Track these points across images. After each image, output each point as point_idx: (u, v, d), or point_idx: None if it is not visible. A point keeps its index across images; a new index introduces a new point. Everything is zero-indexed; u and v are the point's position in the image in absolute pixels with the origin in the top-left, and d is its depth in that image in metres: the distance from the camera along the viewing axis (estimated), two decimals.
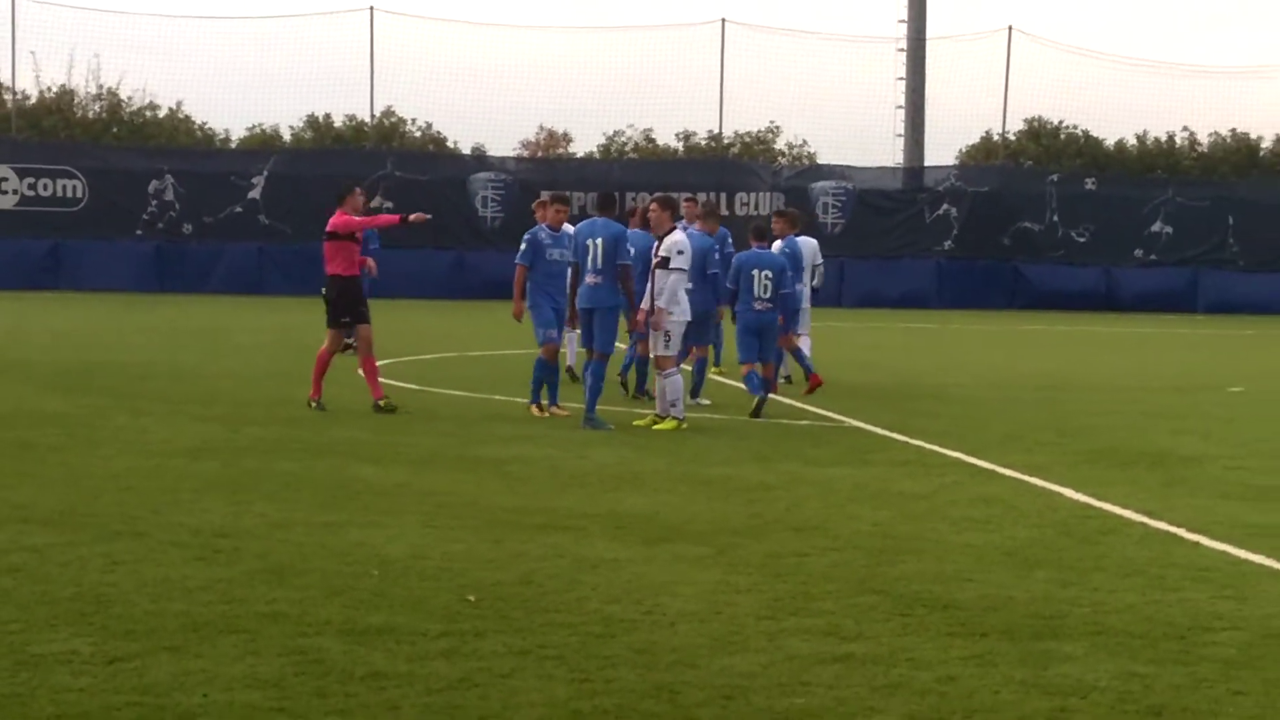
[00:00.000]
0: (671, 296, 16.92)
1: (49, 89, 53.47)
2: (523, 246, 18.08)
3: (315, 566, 9.38)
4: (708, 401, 19.35)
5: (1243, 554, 10.32)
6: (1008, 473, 13.79)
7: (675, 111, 51.23)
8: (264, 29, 50.52)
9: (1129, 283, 47.85)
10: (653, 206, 17.50)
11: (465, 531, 10.57)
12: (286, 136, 53.28)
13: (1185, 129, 52.91)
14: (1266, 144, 52.66)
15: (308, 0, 79.93)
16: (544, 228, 18.24)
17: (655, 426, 16.66)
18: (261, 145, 52.07)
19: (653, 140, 53.53)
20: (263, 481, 12.51)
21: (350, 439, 15.21)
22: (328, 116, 53.35)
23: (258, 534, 10.35)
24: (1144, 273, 48.06)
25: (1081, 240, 48.32)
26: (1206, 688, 7.24)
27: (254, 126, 53.03)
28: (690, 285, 17.83)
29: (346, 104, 52.21)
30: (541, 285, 17.99)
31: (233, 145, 53.08)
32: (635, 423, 16.93)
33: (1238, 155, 52.47)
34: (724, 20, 49.48)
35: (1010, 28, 50.41)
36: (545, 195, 20.54)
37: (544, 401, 17.60)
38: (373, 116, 51.82)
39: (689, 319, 17.41)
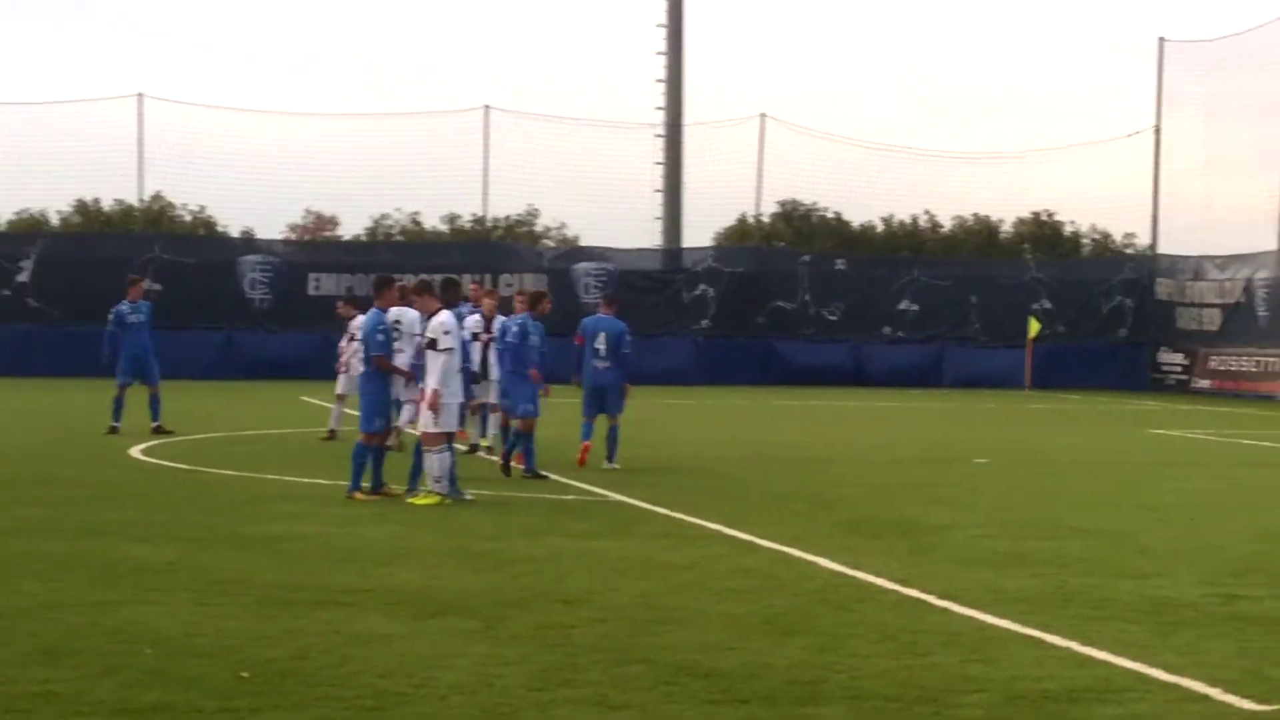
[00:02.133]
0: (442, 377, 16.88)
1: None
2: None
3: (88, 646, 9.20)
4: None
5: (990, 619, 10.54)
6: (766, 543, 13.94)
7: (441, 195, 51.20)
8: (32, 114, 49.66)
9: (878, 358, 48.67)
10: (413, 290, 17.64)
11: (238, 608, 10.44)
12: (55, 220, 52.38)
13: (927, 212, 54.12)
14: (1006, 226, 54.06)
15: (77, 86, 78.84)
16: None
17: (414, 500, 16.66)
18: (30, 228, 51.12)
19: (419, 223, 53.45)
20: (32, 561, 12.25)
21: (120, 519, 14.95)
22: (96, 200, 52.55)
23: (29, 614, 10.13)
24: (892, 349, 48.95)
25: (833, 318, 49.08)
26: None
27: (22, 211, 52.09)
28: (469, 363, 17.94)
29: (116, 188, 51.44)
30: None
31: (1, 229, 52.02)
32: (409, 499, 16.85)
33: (979, 236, 53.76)
34: (487, 107, 49.64)
35: (763, 115, 51.21)
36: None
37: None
38: (141, 200, 51.13)
39: (460, 399, 17.34)
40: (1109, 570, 12.70)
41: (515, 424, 19.88)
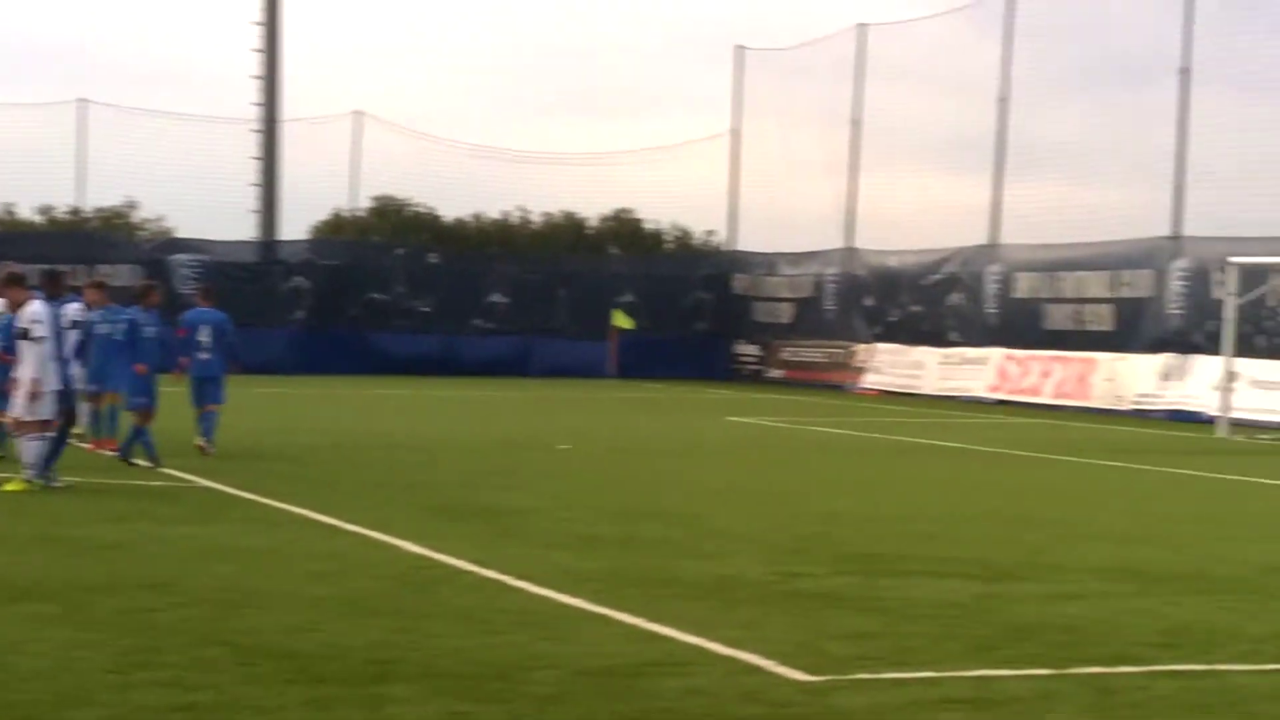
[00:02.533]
0: (38, 366, 16.34)
1: None
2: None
3: None
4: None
5: (563, 598, 10.65)
6: (352, 528, 13.84)
7: (35, 186, 49.54)
8: None
9: (469, 349, 48.76)
10: (3, 282, 16.98)
11: None
12: None
13: (519, 208, 54.35)
14: (592, 223, 54.62)
15: None
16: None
17: (4, 487, 16.11)
18: None
19: (13, 213, 51.60)
20: None
21: None
22: None
23: None
24: (482, 340, 49.09)
25: (426, 310, 48.99)
26: None
27: None
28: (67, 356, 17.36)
29: None
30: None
31: None
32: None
33: (567, 233, 54.22)
34: (81, 100, 48.25)
35: (358, 112, 50.82)
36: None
37: None
38: None
39: (57, 388, 16.76)
40: (678, 551, 12.96)
41: (132, 417, 19.37)
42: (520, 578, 11.36)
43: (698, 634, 9.40)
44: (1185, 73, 36.76)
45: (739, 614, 10.15)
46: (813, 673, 8.40)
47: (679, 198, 52.23)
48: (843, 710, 7.62)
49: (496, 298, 49.77)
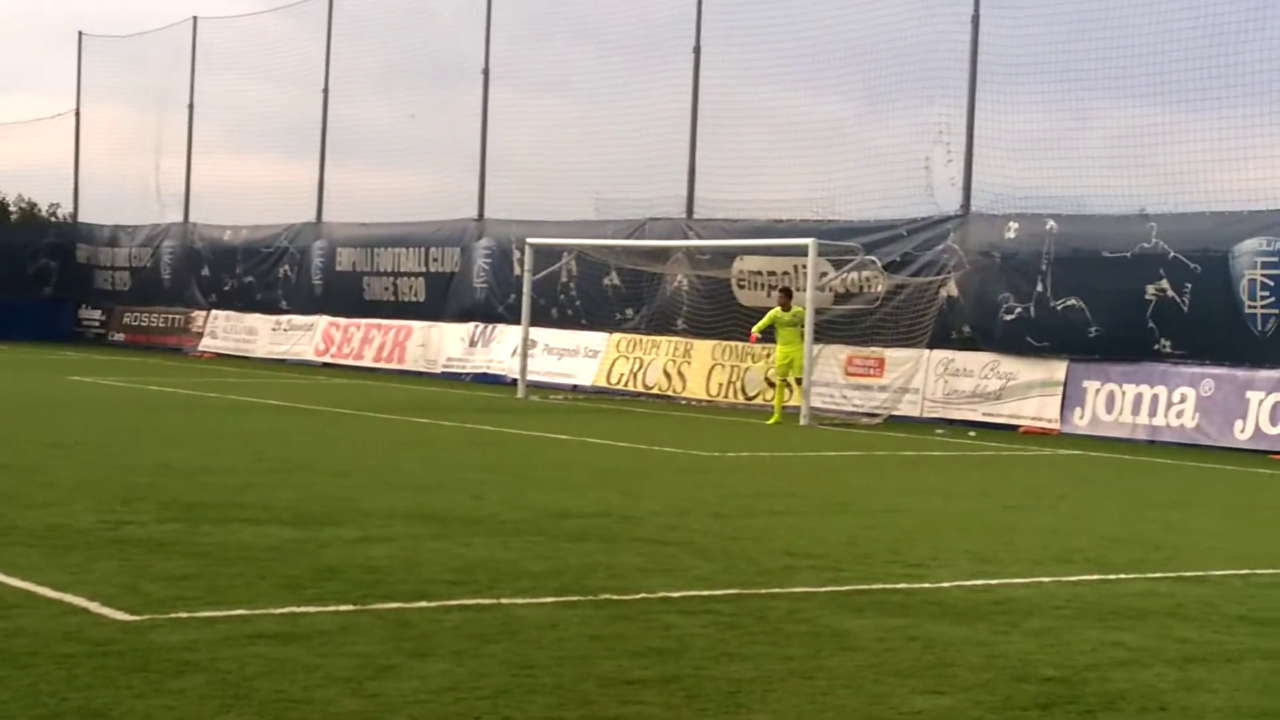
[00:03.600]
0: None
1: None
2: None
3: None
4: None
5: None
6: None
7: None
8: None
9: None
10: None
11: None
12: None
13: None
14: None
15: None
16: None
17: None
18: None
19: None
20: None
21: None
22: None
23: None
24: None
25: None
26: None
27: None
28: None
29: None
30: None
31: None
32: None
33: None
34: None
35: None
36: None
37: None
38: None
39: None
40: (14, 502, 12.37)
41: None
42: None
43: (25, 579, 9.00)
44: (486, 73, 37.71)
45: (67, 559, 9.79)
46: (133, 613, 8.18)
47: (25, 172, 50.13)
48: (160, 646, 7.45)
49: None
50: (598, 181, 34.91)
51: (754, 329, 26.91)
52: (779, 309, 26.39)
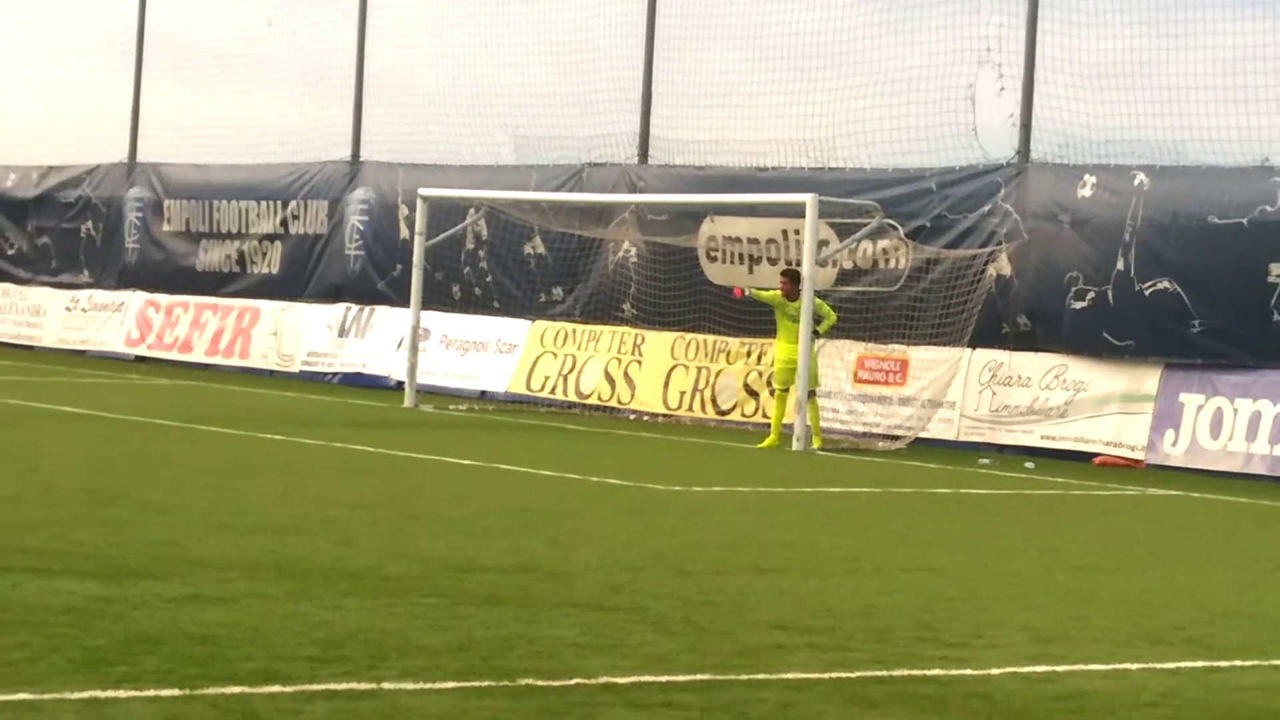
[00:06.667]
0: None
1: None
2: None
3: None
4: None
5: None
6: None
7: None
8: None
9: None
10: None
11: None
12: None
13: None
14: None
15: None
16: None
17: None
18: None
19: None
20: None
21: None
22: None
23: None
24: None
25: None
26: None
27: None
28: None
29: None
30: None
31: None
32: None
33: None
34: None
35: None
36: None
37: None
38: None
39: None
40: None
41: None
42: None
43: None
44: None
45: None
46: None
47: None
48: None
49: None
50: (517, 113, 34.87)
51: (745, 287, 27.05)
52: (781, 295, 26.38)
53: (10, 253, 43.97)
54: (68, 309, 41.96)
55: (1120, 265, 26.19)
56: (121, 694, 8.44)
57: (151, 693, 8.49)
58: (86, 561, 12.30)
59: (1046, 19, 27.63)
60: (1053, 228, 27.01)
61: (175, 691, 8.54)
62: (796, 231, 27.45)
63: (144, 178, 41.51)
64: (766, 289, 27.07)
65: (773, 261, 28.81)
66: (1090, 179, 26.79)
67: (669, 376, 30.47)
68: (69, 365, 37.02)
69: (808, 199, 26.33)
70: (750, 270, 29.44)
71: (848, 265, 28.70)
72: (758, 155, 30.73)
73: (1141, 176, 26.26)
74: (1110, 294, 26.29)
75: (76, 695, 8.36)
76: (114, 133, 42.21)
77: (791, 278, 26.40)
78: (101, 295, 41.40)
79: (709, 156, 31.56)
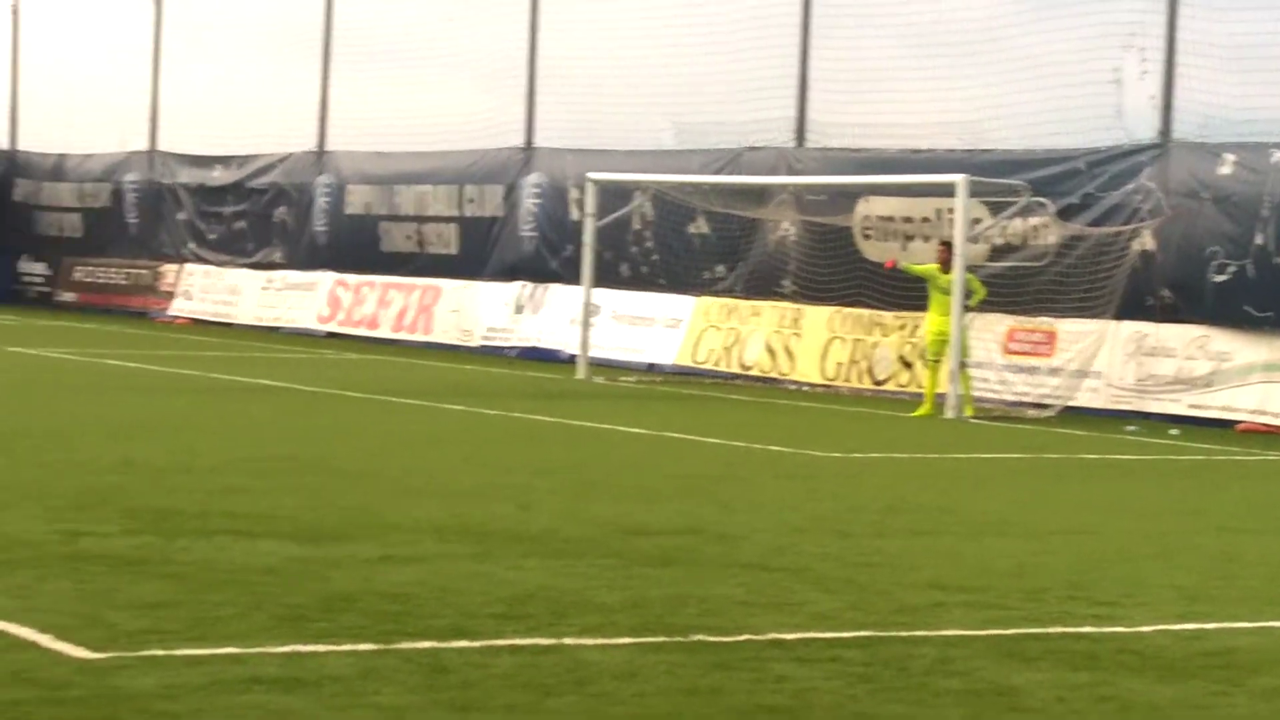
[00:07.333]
0: None
1: None
2: None
3: None
4: None
5: None
6: None
7: None
8: None
9: None
10: None
11: None
12: None
13: None
14: None
15: None
16: None
17: None
18: None
19: None
20: None
21: None
22: None
23: None
24: None
25: None
26: None
27: None
28: None
29: None
30: None
31: None
32: None
33: None
34: None
35: None
36: None
37: None
38: None
39: None
40: None
41: None
42: None
43: None
44: None
45: (10, 580, 9.89)
46: (95, 648, 8.25)
47: None
48: (129, 692, 7.49)
49: None
50: (680, 101, 34.86)
51: (897, 260, 26.97)
52: (937, 267, 26.26)
53: (211, 237, 44.49)
54: (263, 288, 42.37)
55: (1259, 239, 25.86)
56: (320, 648, 8.55)
57: (348, 647, 8.60)
58: (286, 525, 12.46)
59: (1186, 3, 27.31)
60: (1194, 204, 26.71)
61: (370, 646, 8.64)
62: (950, 210, 27.27)
63: (332, 165, 41.85)
64: (919, 264, 26.98)
65: (926, 239, 28.65)
66: (1230, 157, 26.47)
67: (827, 349, 30.38)
68: (264, 341, 37.40)
69: (958, 179, 26.20)
70: (903, 247, 29.31)
71: (998, 242, 28.50)
72: (910, 138, 30.57)
73: (1279, 154, 25.94)
74: (1250, 267, 25.97)
75: (279, 649, 8.49)
76: (304, 123, 42.57)
77: (947, 247, 26.31)
78: (294, 275, 41.78)
79: (863, 139, 31.42)
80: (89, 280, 47.52)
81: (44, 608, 9.13)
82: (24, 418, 19.57)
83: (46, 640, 8.40)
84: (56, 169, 48.98)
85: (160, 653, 8.26)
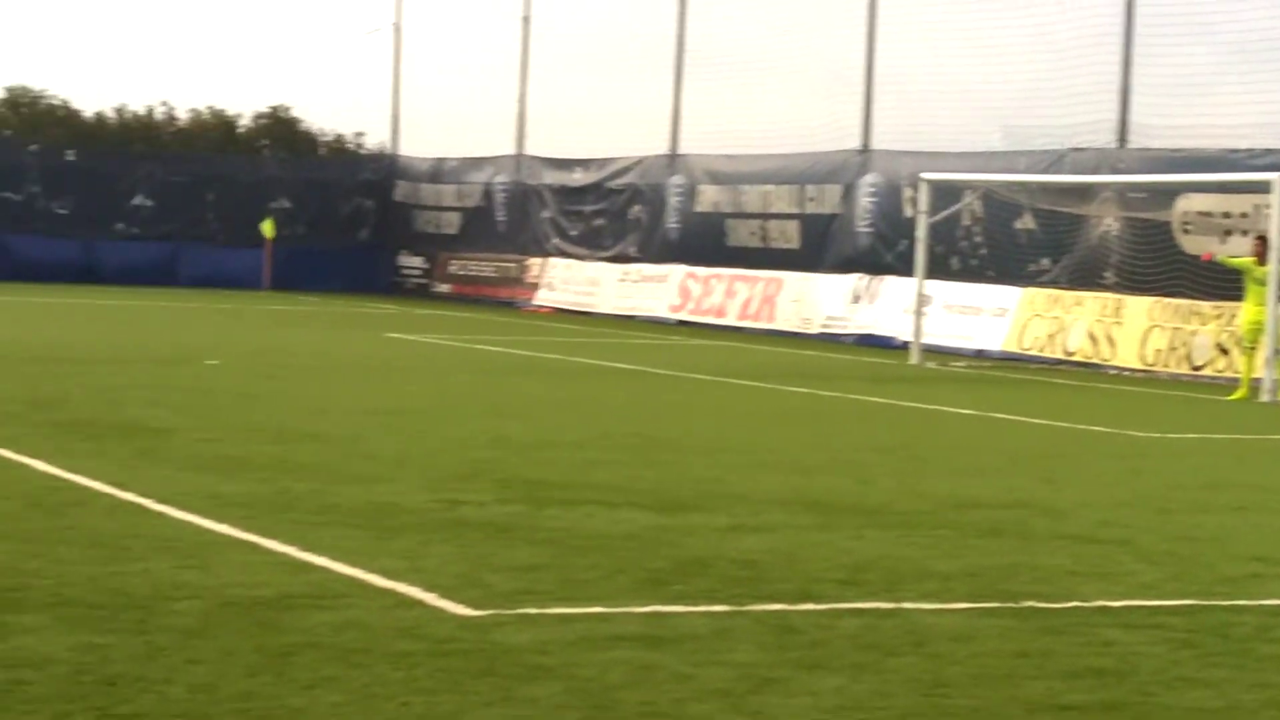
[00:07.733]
0: None
1: None
2: None
3: None
4: None
5: (209, 524, 10.49)
6: None
7: None
8: None
9: (111, 255, 47.63)
10: None
11: None
12: None
13: (164, 103, 52.87)
14: (245, 121, 53.37)
15: None
16: None
17: None
18: None
19: None
20: None
21: None
22: None
23: None
24: (126, 246, 47.99)
25: (63, 212, 47.74)
26: (163, 657, 7.29)
27: None
28: None
29: None
30: None
31: None
32: None
33: (217, 131, 52.98)
34: None
35: None
36: None
37: None
38: None
39: None
40: (333, 475, 12.84)
41: None
42: (162, 501, 11.15)
43: (353, 564, 9.34)
44: None
45: (398, 543, 10.11)
46: (475, 607, 8.42)
47: (334, 96, 51.42)
48: (507, 646, 7.64)
49: (140, 200, 48.63)
50: (1007, 105, 34.47)
51: (1214, 252, 26.42)
52: (1253, 260, 25.66)
53: (572, 234, 45.09)
54: (620, 280, 42.82)
55: None
56: (678, 609, 8.63)
57: (704, 608, 8.67)
58: (644, 496, 12.57)
59: None
60: None
61: (724, 608, 8.70)
62: (1266, 206, 26.57)
63: (683, 167, 42.14)
64: (1236, 256, 26.35)
65: (1244, 233, 27.93)
66: None
67: (1146, 336, 29.80)
68: (620, 329, 37.77)
69: (1274, 177, 25.53)
70: (1222, 241, 28.65)
71: None
72: (1228, 138, 29.90)
73: None
74: None
75: (640, 609, 8.58)
76: (658, 128, 42.93)
77: (1263, 241, 25.71)
78: (648, 268, 42.16)
79: (1184, 139, 30.80)
80: (462, 273, 48.48)
81: (429, 569, 9.33)
82: (402, 396, 20.03)
83: (432, 599, 8.59)
84: (433, 172, 50.06)
85: (534, 611, 8.41)
